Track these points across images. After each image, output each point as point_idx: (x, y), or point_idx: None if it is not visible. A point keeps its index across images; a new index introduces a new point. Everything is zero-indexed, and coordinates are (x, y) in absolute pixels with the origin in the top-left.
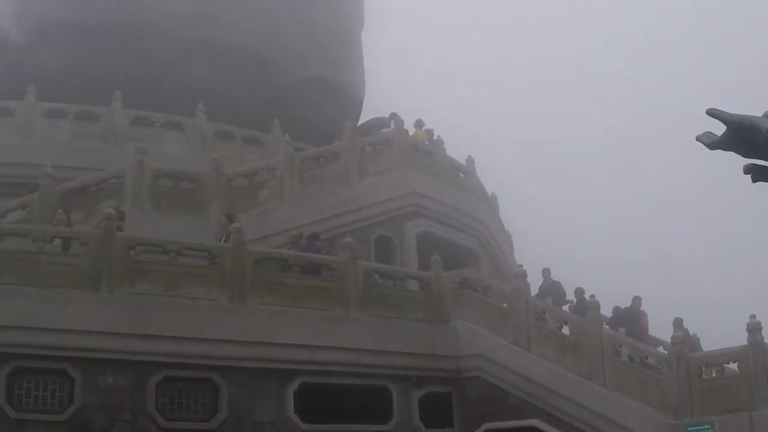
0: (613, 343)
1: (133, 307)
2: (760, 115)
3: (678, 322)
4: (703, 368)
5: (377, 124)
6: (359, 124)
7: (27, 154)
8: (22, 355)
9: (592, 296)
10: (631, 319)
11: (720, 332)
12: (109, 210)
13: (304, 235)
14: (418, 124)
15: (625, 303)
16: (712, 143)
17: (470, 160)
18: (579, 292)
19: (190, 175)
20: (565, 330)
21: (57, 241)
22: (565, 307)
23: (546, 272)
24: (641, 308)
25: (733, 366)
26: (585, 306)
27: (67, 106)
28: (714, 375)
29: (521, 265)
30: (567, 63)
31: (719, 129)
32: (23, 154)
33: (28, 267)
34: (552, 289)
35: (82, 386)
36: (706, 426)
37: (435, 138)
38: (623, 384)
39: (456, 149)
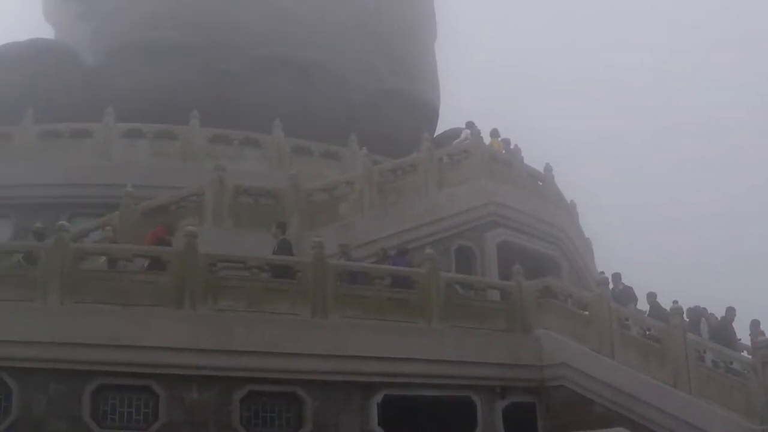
0: (698, 348)
1: (215, 323)
2: None
3: (755, 325)
4: None
5: (454, 134)
6: (436, 134)
7: (107, 174)
8: (106, 373)
9: (675, 302)
10: (728, 331)
11: None
12: (191, 228)
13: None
14: (494, 133)
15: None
16: None
17: (548, 168)
18: (651, 296)
19: (270, 191)
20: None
21: (103, 259)
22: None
23: (616, 277)
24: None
25: None
26: (660, 311)
27: (145, 126)
28: None
29: (602, 272)
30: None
31: None
32: (103, 174)
33: (111, 285)
34: (624, 294)
35: (166, 402)
36: None
37: (512, 147)
38: (708, 390)
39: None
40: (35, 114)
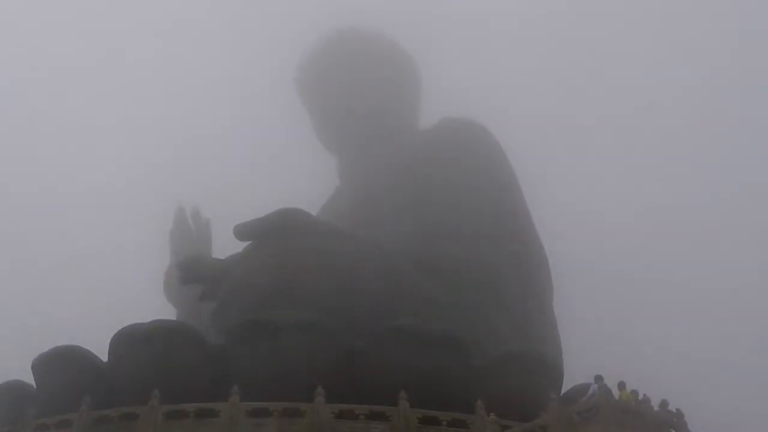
0: None
1: None
2: None
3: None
4: None
5: (582, 389)
6: (563, 392)
7: None
8: None
9: None
10: None
11: None
12: None
13: None
14: (622, 385)
15: None
16: None
17: (680, 414)
18: None
19: None
20: None
21: None
22: None
23: None
24: None
25: None
26: None
27: (272, 404)
28: None
29: None
30: None
31: None
32: None
33: None
34: None
35: None
36: None
37: (641, 397)
38: None
39: None
40: (160, 392)
